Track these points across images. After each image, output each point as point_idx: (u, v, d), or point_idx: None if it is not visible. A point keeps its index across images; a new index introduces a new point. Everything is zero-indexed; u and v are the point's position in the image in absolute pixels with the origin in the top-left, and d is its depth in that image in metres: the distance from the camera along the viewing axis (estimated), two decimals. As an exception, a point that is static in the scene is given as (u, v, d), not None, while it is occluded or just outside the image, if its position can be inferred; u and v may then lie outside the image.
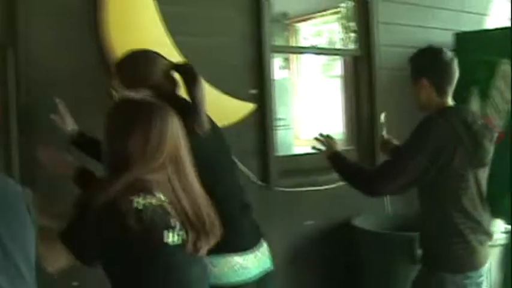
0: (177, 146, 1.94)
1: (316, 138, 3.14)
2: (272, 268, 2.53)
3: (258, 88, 3.68)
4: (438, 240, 2.83)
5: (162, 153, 1.90)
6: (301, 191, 3.81)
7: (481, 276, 2.81)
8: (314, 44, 6.96)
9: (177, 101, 2.33)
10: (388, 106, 4.00)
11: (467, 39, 4.54)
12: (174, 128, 1.95)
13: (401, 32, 4.38)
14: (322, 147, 3.09)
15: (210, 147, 2.37)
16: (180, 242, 1.85)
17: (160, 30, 3.25)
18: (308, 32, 6.89)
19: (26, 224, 1.62)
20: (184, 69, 2.43)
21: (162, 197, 1.86)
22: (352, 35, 4.61)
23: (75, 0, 3.07)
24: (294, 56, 6.33)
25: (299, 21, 6.30)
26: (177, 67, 2.45)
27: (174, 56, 3.27)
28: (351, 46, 4.60)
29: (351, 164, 3.06)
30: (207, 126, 2.34)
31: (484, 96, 4.45)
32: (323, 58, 6.94)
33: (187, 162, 1.96)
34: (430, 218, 2.88)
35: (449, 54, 2.88)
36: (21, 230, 1.60)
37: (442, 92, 2.84)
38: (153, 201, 1.82)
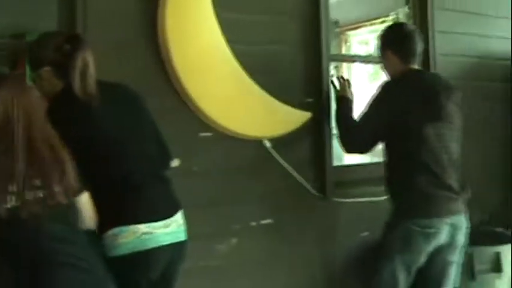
0: (6, 120, 2.01)
1: (337, 78, 3.58)
2: (186, 240, 2.53)
3: (314, 97, 3.63)
4: (394, 188, 3.14)
5: None
6: (358, 202, 3.74)
7: (431, 227, 2.96)
8: (361, 52, 6.89)
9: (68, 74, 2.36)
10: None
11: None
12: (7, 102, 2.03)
13: (459, 41, 4.28)
14: (337, 87, 3.51)
15: (104, 119, 2.37)
16: (18, 204, 1.93)
17: (218, 37, 3.23)
18: (355, 40, 6.83)
19: None
20: (73, 40, 2.42)
21: None
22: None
23: (133, 3, 3.08)
24: (344, 64, 6.27)
25: (349, 30, 6.24)
26: (68, 39, 2.43)
27: (231, 62, 3.26)
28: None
29: (348, 116, 3.36)
30: (93, 98, 2.34)
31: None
32: (370, 66, 6.86)
33: (19, 134, 2.02)
34: (389, 170, 3.16)
35: (409, 27, 3.36)
36: None
37: (405, 60, 3.18)
38: None
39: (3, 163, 1.96)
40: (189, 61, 3.12)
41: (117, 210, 2.31)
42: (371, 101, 3.15)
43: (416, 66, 3.21)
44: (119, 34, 3.01)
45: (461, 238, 3.08)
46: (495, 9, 4.53)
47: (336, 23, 5.87)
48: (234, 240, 3.35)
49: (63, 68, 2.35)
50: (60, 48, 2.38)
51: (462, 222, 3.07)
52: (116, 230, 2.29)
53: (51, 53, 2.39)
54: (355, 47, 6.95)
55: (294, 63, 3.59)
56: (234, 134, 3.28)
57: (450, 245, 3.04)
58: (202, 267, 3.17)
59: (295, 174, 3.51)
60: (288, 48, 3.56)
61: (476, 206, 3.78)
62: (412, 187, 3.01)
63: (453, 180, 3.06)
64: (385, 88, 3.15)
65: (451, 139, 3.10)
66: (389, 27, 3.42)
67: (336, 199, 3.68)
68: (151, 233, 2.33)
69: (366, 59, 5.45)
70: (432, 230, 2.96)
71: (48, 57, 2.39)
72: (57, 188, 2.03)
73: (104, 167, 2.33)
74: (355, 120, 3.30)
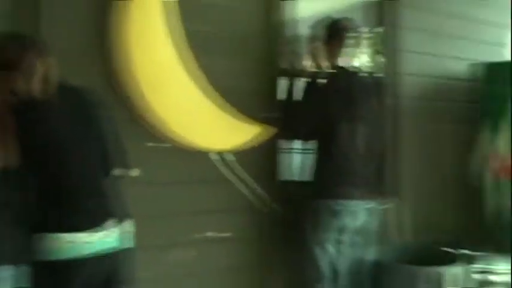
0: None
1: None
2: (119, 248, 2.46)
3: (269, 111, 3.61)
4: (315, 176, 3.48)
5: None
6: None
7: (353, 206, 3.39)
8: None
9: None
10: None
11: (492, 69, 4.51)
12: None
13: (419, 60, 4.30)
14: None
15: (52, 120, 2.36)
16: None
17: (172, 50, 3.22)
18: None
19: None
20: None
21: None
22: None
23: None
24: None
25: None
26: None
27: (182, 77, 3.26)
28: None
29: None
30: (38, 99, 2.32)
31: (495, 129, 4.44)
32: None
33: None
34: (315, 158, 3.50)
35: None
36: None
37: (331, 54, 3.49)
38: None
39: None
40: (147, 72, 3.12)
41: (49, 216, 2.31)
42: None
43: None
44: (69, 42, 2.95)
45: (354, 221, 3.45)
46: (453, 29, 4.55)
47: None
48: (192, 250, 3.38)
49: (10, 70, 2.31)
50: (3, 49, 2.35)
51: (358, 207, 3.43)
52: (42, 235, 2.28)
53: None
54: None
55: (250, 78, 3.58)
56: (188, 146, 3.27)
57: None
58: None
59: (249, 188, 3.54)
60: (245, 62, 3.54)
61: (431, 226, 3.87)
62: (322, 176, 3.44)
63: (359, 172, 3.43)
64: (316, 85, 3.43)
65: (363, 137, 3.44)
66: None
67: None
68: (73, 242, 2.30)
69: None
70: (355, 209, 3.40)
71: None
72: None
73: (45, 171, 2.33)
74: None
